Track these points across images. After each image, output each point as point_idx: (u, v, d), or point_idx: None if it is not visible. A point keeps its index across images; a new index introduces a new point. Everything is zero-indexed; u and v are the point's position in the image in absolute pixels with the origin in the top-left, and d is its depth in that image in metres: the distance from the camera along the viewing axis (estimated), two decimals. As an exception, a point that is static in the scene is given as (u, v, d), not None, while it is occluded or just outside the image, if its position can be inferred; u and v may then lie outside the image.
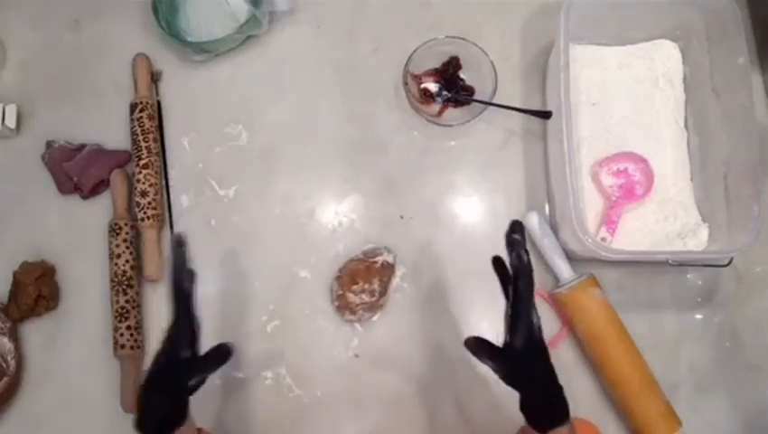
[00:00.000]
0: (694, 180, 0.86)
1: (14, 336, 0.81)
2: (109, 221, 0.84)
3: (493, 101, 0.86)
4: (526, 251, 0.61)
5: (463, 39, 0.87)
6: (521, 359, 0.61)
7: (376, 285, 0.82)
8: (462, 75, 0.90)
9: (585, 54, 0.89)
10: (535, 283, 0.61)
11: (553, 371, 0.61)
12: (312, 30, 0.94)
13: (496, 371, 0.62)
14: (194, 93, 0.91)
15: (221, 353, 0.67)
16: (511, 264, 0.61)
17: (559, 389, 0.61)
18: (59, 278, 0.84)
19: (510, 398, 0.81)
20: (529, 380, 0.61)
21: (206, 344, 0.85)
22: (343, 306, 0.82)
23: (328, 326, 0.83)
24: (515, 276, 0.61)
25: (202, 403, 0.81)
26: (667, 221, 0.84)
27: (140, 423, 0.62)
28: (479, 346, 0.63)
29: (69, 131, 0.89)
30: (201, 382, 0.66)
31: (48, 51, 0.93)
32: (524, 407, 0.61)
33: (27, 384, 0.81)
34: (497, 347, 0.62)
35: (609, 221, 0.83)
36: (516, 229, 0.62)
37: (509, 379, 0.61)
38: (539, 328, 0.61)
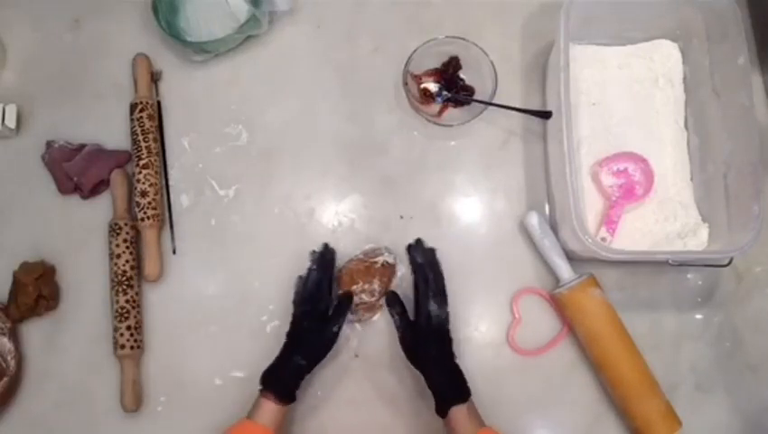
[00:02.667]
0: (694, 180, 0.86)
1: (14, 336, 0.81)
2: (109, 221, 0.84)
3: (493, 101, 0.86)
4: (424, 254, 0.81)
5: (463, 39, 0.87)
6: (418, 340, 0.75)
7: (376, 285, 0.81)
8: (462, 75, 0.90)
9: (585, 54, 0.89)
10: (431, 280, 0.78)
11: (448, 356, 0.75)
12: (312, 30, 0.94)
13: (400, 338, 0.77)
14: (194, 93, 0.91)
15: (345, 301, 0.80)
16: (410, 264, 0.82)
17: (455, 373, 0.74)
18: (59, 278, 0.84)
19: (508, 399, 0.82)
20: (423, 359, 0.75)
21: (202, 344, 0.85)
22: (343, 306, 0.82)
23: (328, 326, 0.83)
24: (413, 273, 0.80)
25: (203, 403, 0.81)
26: (667, 221, 0.84)
27: (275, 372, 0.74)
28: (395, 302, 0.79)
29: (69, 131, 0.89)
30: (338, 333, 0.77)
31: (48, 51, 0.93)
32: (429, 389, 0.73)
33: (27, 384, 0.81)
34: (407, 315, 0.77)
35: (609, 221, 0.83)
36: (416, 241, 0.83)
37: (407, 352, 0.76)
38: (438, 317, 0.76)
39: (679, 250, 0.81)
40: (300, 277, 0.81)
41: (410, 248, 0.82)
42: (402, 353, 0.80)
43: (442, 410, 0.72)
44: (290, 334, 0.77)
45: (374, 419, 0.80)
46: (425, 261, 0.80)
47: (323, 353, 0.76)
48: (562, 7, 0.79)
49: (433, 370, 0.74)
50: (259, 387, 0.74)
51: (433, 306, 0.76)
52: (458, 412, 0.70)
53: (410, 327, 0.77)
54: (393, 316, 0.78)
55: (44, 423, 0.81)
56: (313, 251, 0.83)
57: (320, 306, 0.78)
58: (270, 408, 0.72)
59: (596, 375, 0.81)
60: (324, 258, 0.82)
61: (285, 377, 0.74)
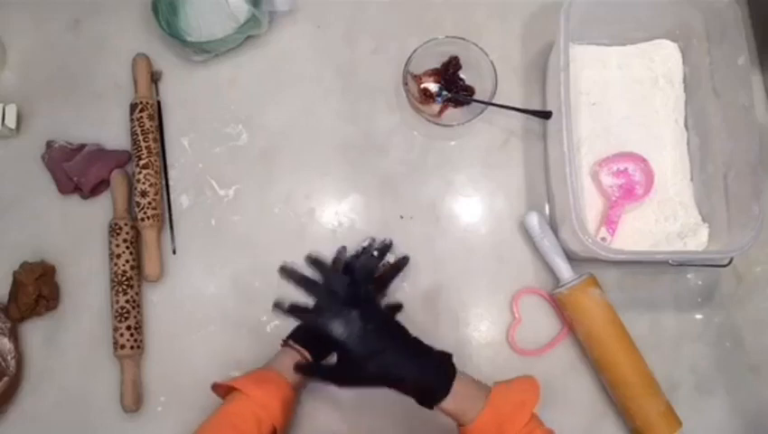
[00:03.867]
0: (694, 180, 0.86)
1: (14, 336, 0.81)
2: (109, 221, 0.84)
3: (493, 101, 0.86)
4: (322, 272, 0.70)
5: (463, 39, 0.87)
6: (348, 367, 0.63)
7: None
8: (462, 75, 0.90)
9: (585, 54, 0.89)
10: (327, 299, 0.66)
11: (391, 366, 0.62)
12: (312, 30, 0.94)
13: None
14: (194, 93, 0.91)
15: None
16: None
17: (419, 363, 0.62)
18: (59, 278, 0.84)
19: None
20: (362, 379, 0.63)
21: (202, 345, 0.85)
22: (343, 306, 0.82)
23: (328, 326, 0.83)
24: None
25: (203, 403, 0.81)
26: (667, 221, 0.84)
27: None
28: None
29: (69, 131, 0.89)
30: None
31: (48, 51, 0.93)
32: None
33: (27, 384, 0.81)
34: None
35: (609, 221, 0.83)
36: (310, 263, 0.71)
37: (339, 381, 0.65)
38: (353, 335, 0.62)
39: (679, 250, 0.81)
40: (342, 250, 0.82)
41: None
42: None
43: (428, 407, 0.63)
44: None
45: (373, 421, 0.80)
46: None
47: None
48: (562, 7, 0.79)
49: (392, 382, 0.63)
50: (288, 340, 0.74)
51: (340, 328, 0.64)
52: (446, 408, 0.62)
53: (334, 369, 0.66)
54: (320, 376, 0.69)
55: (44, 423, 0.81)
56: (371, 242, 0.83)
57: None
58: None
59: (596, 375, 0.81)
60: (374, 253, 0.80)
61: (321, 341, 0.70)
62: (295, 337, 0.75)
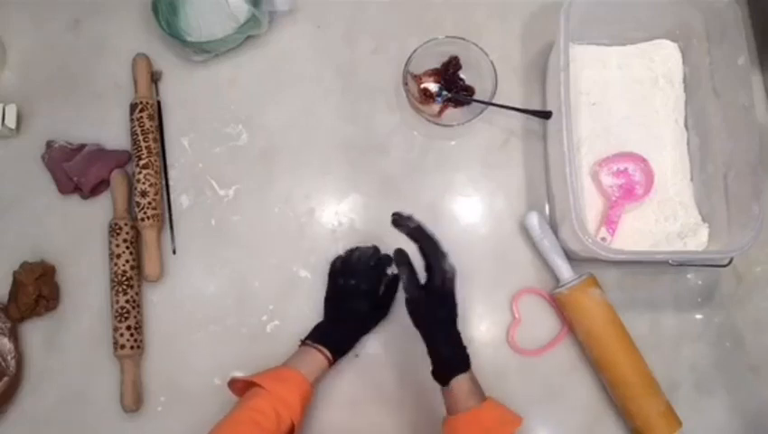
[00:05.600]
0: (694, 180, 0.86)
1: (14, 336, 0.81)
2: (109, 221, 0.84)
3: (493, 101, 0.86)
4: (412, 223, 0.72)
5: (463, 39, 0.87)
6: (430, 301, 0.70)
7: (376, 285, 0.81)
8: (462, 75, 0.90)
9: (585, 54, 0.89)
10: (435, 239, 0.72)
11: (454, 321, 0.71)
12: (312, 30, 0.94)
13: (408, 299, 0.71)
14: (194, 93, 0.91)
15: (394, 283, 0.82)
16: (408, 236, 0.72)
17: (459, 339, 0.70)
18: (59, 278, 0.84)
19: (508, 399, 0.81)
20: (431, 322, 0.70)
21: (201, 345, 0.85)
22: (343, 306, 0.82)
23: (328, 326, 0.83)
24: (414, 238, 0.72)
25: (203, 402, 0.81)
26: (667, 221, 0.84)
27: (331, 330, 0.78)
28: (404, 261, 0.71)
29: (69, 131, 0.89)
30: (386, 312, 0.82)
31: (48, 51, 0.93)
32: (430, 355, 0.69)
33: (27, 384, 0.81)
34: (416, 276, 0.71)
35: (609, 221, 0.83)
36: (396, 217, 0.73)
37: (415, 314, 0.70)
38: (451, 279, 0.71)
39: (679, 250, 0.81)
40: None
41: (396, 224, 0.73)
42: (403, 354, 0.80)
43: (444, 377, 0.68)
44: (332, 303, 0.81)
45: (374, 420, 0.80)
46: (418, 225, 0.73)
47: (369, 328, 0.81)
48: (562, 7, 0.79)
49: (439, 334, 0.70)
50: (306, 340, 0.77)
51: (447, 265, 0.71)
52: (462, 383, 0.68)
53: (420, 289, 0.71)
54: (402, 276, 0.71)
55: (44, 423, 0.81)
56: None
57: (363, 281, 0.80)
58: (319, 361, 0.74)
59: (596, 375, 0.81)
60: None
61: (342, 336, 0.78)
62: (313, 337, 0.77)
